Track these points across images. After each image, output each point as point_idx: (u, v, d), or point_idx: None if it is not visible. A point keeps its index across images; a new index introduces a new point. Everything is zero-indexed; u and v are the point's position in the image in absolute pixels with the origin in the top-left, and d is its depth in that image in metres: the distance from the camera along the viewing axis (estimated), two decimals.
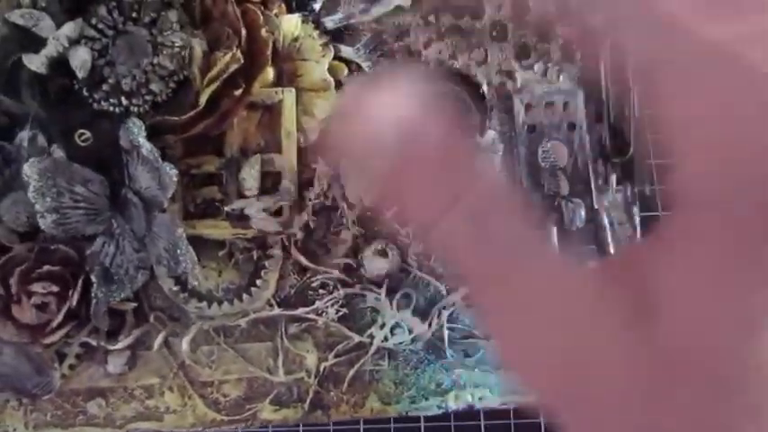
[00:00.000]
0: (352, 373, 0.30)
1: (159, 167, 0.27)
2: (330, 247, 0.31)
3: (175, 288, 0.30)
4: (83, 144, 0.28)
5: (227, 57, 0.27)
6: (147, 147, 0.27)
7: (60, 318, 0.27)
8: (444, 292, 0.31)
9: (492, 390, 0.31)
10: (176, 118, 0.27)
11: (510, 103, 0.32)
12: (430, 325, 0.31)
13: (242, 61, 0.28)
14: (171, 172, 0.27)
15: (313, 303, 0.30)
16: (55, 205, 0.27)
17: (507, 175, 0.31)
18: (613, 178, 0.32)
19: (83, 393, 0.30)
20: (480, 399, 0.31)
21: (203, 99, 0.27)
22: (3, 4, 0.28)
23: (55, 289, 0.28)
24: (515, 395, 0.31)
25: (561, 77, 0.32)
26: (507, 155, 0.32)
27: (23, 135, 0.28)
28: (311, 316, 0.30)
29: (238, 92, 0.28)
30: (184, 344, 0.29)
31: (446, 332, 0.31)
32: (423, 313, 0.31)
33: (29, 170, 0.26)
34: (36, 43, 0.28)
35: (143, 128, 0.27)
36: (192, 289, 0.30)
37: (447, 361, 0.31)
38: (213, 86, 0.27)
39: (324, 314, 0.30)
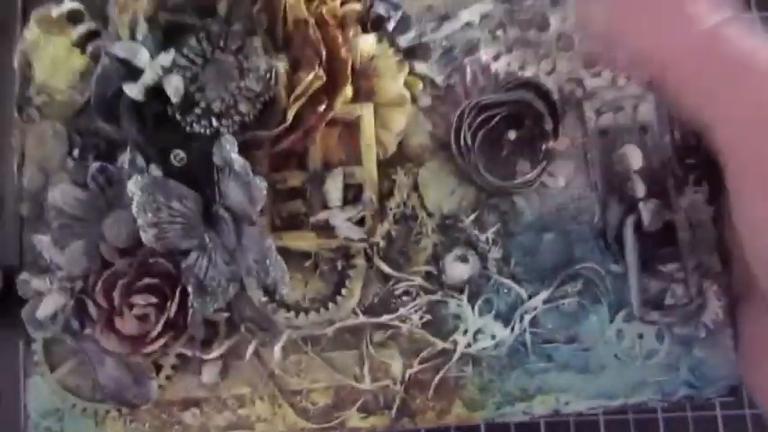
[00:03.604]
0: (437, 379, 0.31)
1: (250, 181, 0.28)
2: (411, 255, 0.31)
3: (264, 299, 0.31)
4: (177, 164, 0.30)
5: (311, 75, 0.29)
6: (239, 161, 0.28)
7: (159, 328, 0.29)
8: (525, 297, 0.31)
9: (578, 394, 0.30)
10: (266, 132, 0.29)
11: (581, 110, 0.32)
12: (512, 330, 0.31)
13: (324, 79, 0.29)
14: (261, 185, 0.28)
15: (397, 311, 0.31)
16: (155, 220, 0.28)
17: (583, 179, 0.32)
18: (691, 178, 0.32)
19: (178, 403, 0.31)
20: (567, 403, 0.30)
21: (290, 115, 0.29)
22: (105, 39, 0.31)
23: (154, 300, 0.29)
24: (602, 399, 0.30)
25: (629, 82, 0.32)
26: (581, 160, 0.32)
27: (124, 157, 0.30)
28: (395, 323, 0.31)
29: (322, 107, 0.29)
30: (276, 352, 0.30)
31: (528, 336, 0.31)
32: (505, 318, 0.31)
33: (133, 186, 0.28)
34: (133, 73, 0.30)
35: (235, 144, 0.29)
36: (280, 299, 0.31)
37: (531, 366, 0.31)
38: (299, 103, 0.29)
39: (407, 321, 0.31)
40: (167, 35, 0.31)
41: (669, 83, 0.24)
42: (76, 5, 0.32)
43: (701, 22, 0.23)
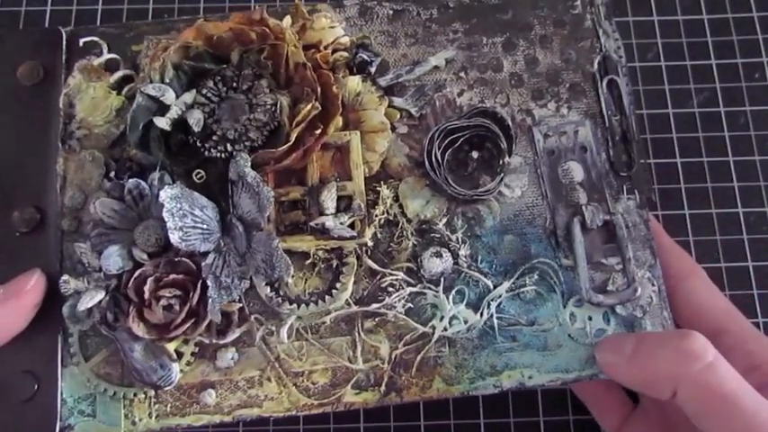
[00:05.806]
0: (419, 359, 0.36)
1: (260, 191, 0.34)
2: (394, 254, 0.37)
3: (270, 294, 0.36)
4: (198, 181, 0.36)
5: (309, 106, 0.36)
6: (251, 174, 0.34)
7: (183, 315, 0.34)
8: (491, 287, 0.37)
9: (539, 369, 0.36)
10: (273, 150, 0.35)
11: (531, 134, 0.39)
12: (481, 315, 0.36)
13: (319, 109, 0.36)
14: (269, 194, 0.34)
15: (383, 301, 0.36)
16: (181, 224, 0.34)
17: (535, 190, 0.38)
18: (624, 188, 0.38)
19: (197, 386, 0.35)
20: (530, 377, 0.36)
21: (293, 136, 0.35)
22: (139, 82, 0.38)
23: (178, 293, 0.34)
24: (559, 374, 0.36)
25: (570, 112, 0.40)
26: (533, 174, 0.39)
27: (154, 175, 0.36)
28: (382, 311, 0.36)
29: (318, 131, 0.36)
30: (283, 333, 0.35)
31: (495, 321, 0.36)
32: (475, 306, 0.37)
33: (163, 194, 0.34)
34: (162, 109, 0.37)
35: (248, 160, 0.35)
36: (284, 294, 0.36)
37: (498, 346, 0.36)
38: (300, 128, 0.35)
39: (393, 309, 0.36)
40: (190, 79, 0.38)
41: (676, 400, 0.32)
42: (113, 56, 0.39)
43: (699, 360, 0.31)
